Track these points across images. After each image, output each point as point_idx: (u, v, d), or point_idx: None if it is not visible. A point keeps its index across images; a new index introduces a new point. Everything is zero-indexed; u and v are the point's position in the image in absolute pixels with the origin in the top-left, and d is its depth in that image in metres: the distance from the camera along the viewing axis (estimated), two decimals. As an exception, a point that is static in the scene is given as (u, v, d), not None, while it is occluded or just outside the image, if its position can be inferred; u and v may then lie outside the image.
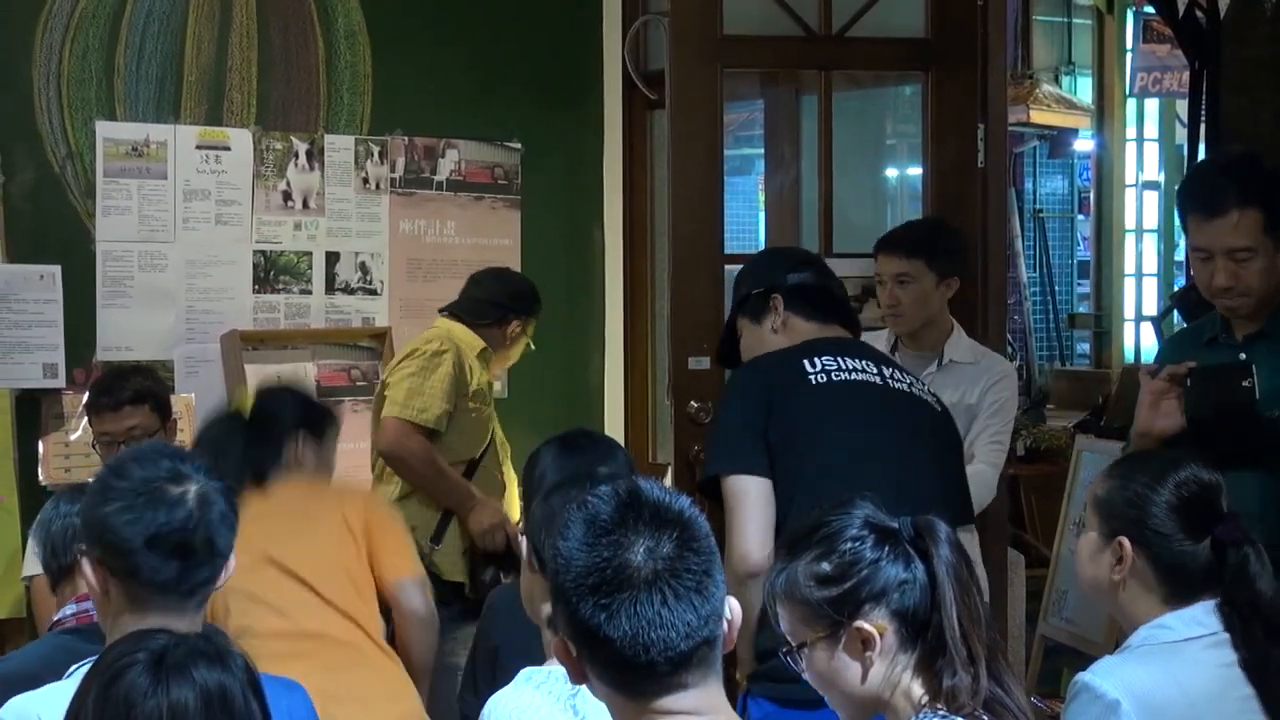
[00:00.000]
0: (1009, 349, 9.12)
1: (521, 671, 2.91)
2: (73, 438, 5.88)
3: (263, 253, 6.35)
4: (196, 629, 2.81)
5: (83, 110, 6.08)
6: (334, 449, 4.71)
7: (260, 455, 4.42)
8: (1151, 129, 13.93)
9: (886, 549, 2.65)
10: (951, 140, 6.11)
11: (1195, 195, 4.07)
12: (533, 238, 6.85)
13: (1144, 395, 4.00)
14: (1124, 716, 3.01)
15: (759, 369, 4.19)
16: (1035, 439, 9.45)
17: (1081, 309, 14.93)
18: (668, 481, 5.83)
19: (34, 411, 5.91)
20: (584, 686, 2.29)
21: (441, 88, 6.69)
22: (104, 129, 6.08)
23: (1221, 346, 4.10)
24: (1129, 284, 13.95)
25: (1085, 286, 14.93)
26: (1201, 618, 3.14)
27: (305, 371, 6.34)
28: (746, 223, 12.20)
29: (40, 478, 5.84)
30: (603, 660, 2.20)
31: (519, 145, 6.83)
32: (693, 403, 5.88)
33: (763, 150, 8.06)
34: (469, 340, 5.74)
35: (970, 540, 5.04)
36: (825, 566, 2.65)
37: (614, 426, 6.98)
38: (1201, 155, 6.67)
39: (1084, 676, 3.10)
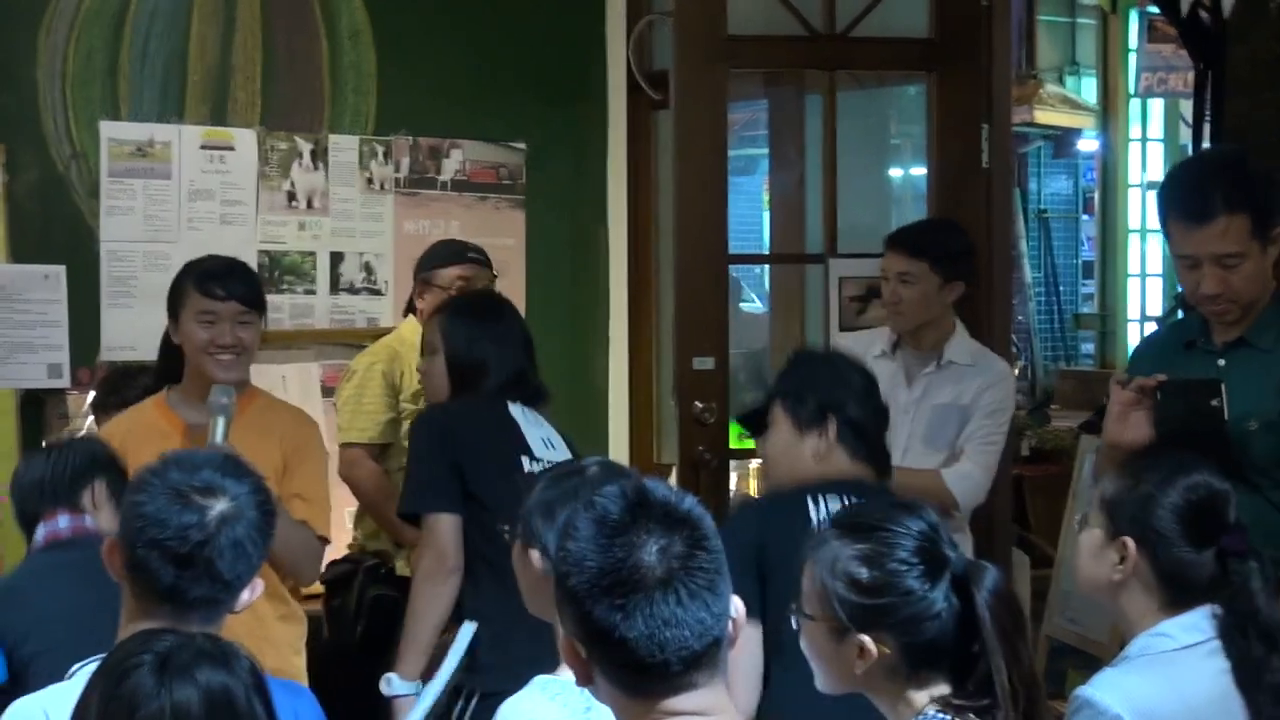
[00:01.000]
0: (1013, 349, 9.11)
1: (535, 679, 2.90)
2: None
3: (267, 253, 6.35)
4: None
5: (87, 110, 6.08)
6: None
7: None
8: (1156, 129, 13.95)
9: (928, 585, 2.62)
10: (956, 140, 6.11)
11: (1179, 200, 3.97)
12: (537, 238, 6.85)
13: (1113, 406, 3.93)
14: None
15: (756, 511, 4.15)
16: (1040, 439, 9.47)
17: (1086, 309, 14.95)
18: (672, 481, 5.83)
19: (38, 412, 5.91)
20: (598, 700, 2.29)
21: (446, 88, 6.69)
22: (108, 129, 6.08)
23: (1199, 352, 4.03)
24: (1133, 284, 13.98)
25: (1089, 286, 14.94)
26: (1200, 624, 3.13)
27: (309, 372, 6.34)
28: (751, 223, 12.21)
29: (45, 478, 5.83)
30: (615, 661, 2.20)
31: (523, 145, 6.83)
32: (697, 403, 5.88)
33: (767, 150, 8.06)
34: (403, 332, 5.67)
35: (963, 540, 5.05)
36: (863, 573, 2.64)
37: (618, 426, 6.98)
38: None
39: (1084, 691, 3.08)
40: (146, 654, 2.32)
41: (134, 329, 6.02)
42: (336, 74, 6.49)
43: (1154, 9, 10.50)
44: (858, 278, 6.05)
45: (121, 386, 5.27)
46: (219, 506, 2.91)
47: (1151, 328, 13.05)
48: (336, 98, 6.50)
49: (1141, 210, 13.87)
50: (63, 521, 3.97)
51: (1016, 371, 9.02)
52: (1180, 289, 4.58)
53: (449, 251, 5.66)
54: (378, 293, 6.55)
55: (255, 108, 6.35)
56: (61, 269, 5.88)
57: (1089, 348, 14.66)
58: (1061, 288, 14.63)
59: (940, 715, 2.59)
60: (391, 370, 5.52)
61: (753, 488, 7.66)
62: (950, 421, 5.27)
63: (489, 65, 6.73)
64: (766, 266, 10.55)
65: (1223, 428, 3.77)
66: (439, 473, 4.47)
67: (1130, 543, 3.17)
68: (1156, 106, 13.79)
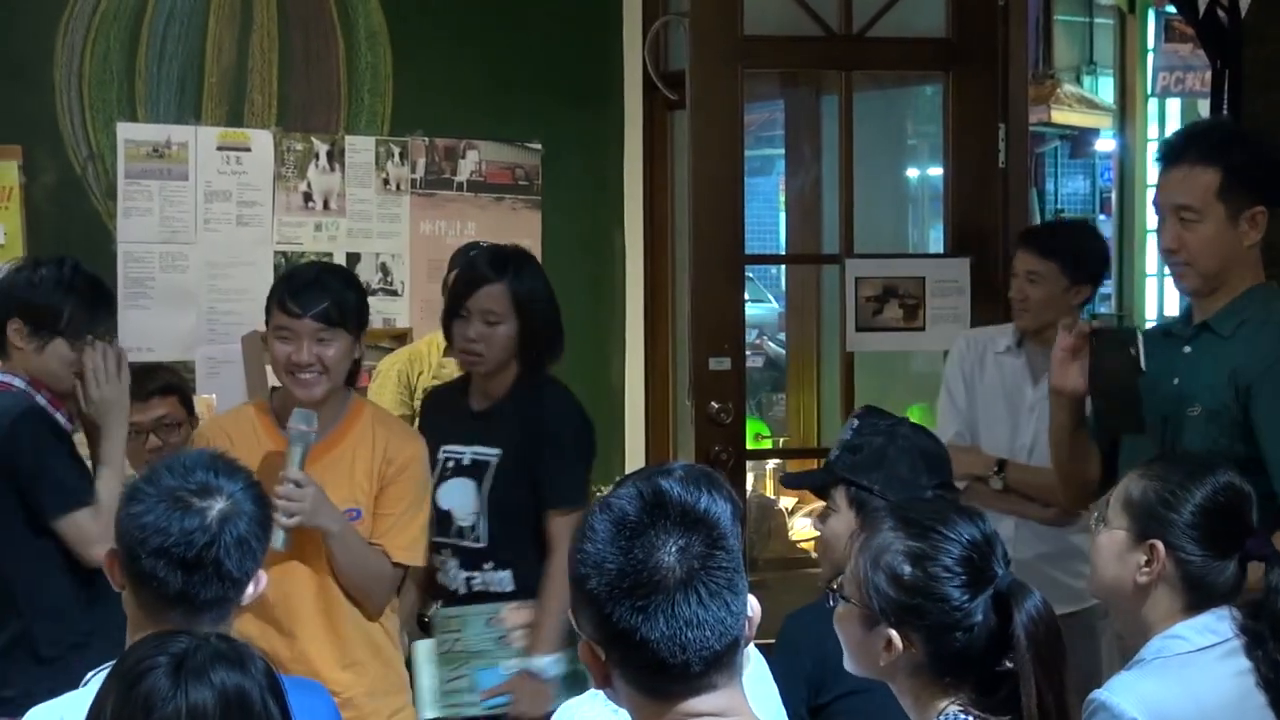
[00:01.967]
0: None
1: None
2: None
3: (284, 254, 6.35)
4: None
5: (104, 111, 6.09)
6: None
7: None
8: (1173, 128, 13.90)
9: (967, 596, 2.60)
10: (972, 140, 6.10)
11: (1161, 151, 3.98)
12: (553, 238, 6.84)
13: (1056, 351, 3.95)
14: None
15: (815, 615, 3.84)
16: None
17: (1103, 309, 14.90)
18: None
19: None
20: None
21: (462, 88, 6.69)
22: (125, 130, 6.09)
23: (1173, 338, 4.02)
24: (1150, 284, 13.92)
25: (1107, 287, 14.90)
26: (1214, 625, 3.10)
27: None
28: (767, 223, 12.21)
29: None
30: (635, 663, 2.19)
31: (539, 146, 6.83)
32: (713, 403, 5.88)
33: (783, 150, 8.07)
34: (434, 337, 5.69)
35: (1085, 542, 4.98)
36: (905, 569, 2.63)
37: (634, 428, 6.97)
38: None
39: (1100, 695, 3.06)
40: (161, 656, 2.32)
41: (151, 329, 6.03)
42: (353, 75, 6.50)
43: (1171, 9, 10.47)
44: (874, 278, 6.04)
45: (142, 379, 5.30)
46: (218, 506, 2.91)
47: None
48: (353, 99, 6.51)
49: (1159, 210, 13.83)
50: None
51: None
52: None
53: (460, 258, 5.71)
54: (394, 293, 6.56)
55: (272, 109, 6.36)
56: (78, 270, 5.89)
57: (1106, 347, 14.62)
58: (1078, 288, 14.61)
59: (962, 715, 2.59)
60: (408, 370, 5.54)
61: (768, 488, 7.67)
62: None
63: (505, 66, 6.73)
64: (781, 266, 10.56)
65: (1136, 380, 3.76)
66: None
67: (1160, 546, 3.13)
68: (1174, 106, 13.73)
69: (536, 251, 6.72)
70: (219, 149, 6.25)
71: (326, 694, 3.20)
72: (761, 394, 9.96)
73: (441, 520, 4.66)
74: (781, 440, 8.16)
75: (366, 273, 6.50)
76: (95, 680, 2.80)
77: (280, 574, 4.02)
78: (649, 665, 2.17)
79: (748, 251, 6.18)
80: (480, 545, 4.66)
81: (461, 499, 4.67)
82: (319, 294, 4.28)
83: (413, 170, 6.59)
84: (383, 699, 4.35)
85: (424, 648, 4.65)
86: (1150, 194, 13.73)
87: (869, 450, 3.73)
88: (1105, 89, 14.07)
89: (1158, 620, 3.16)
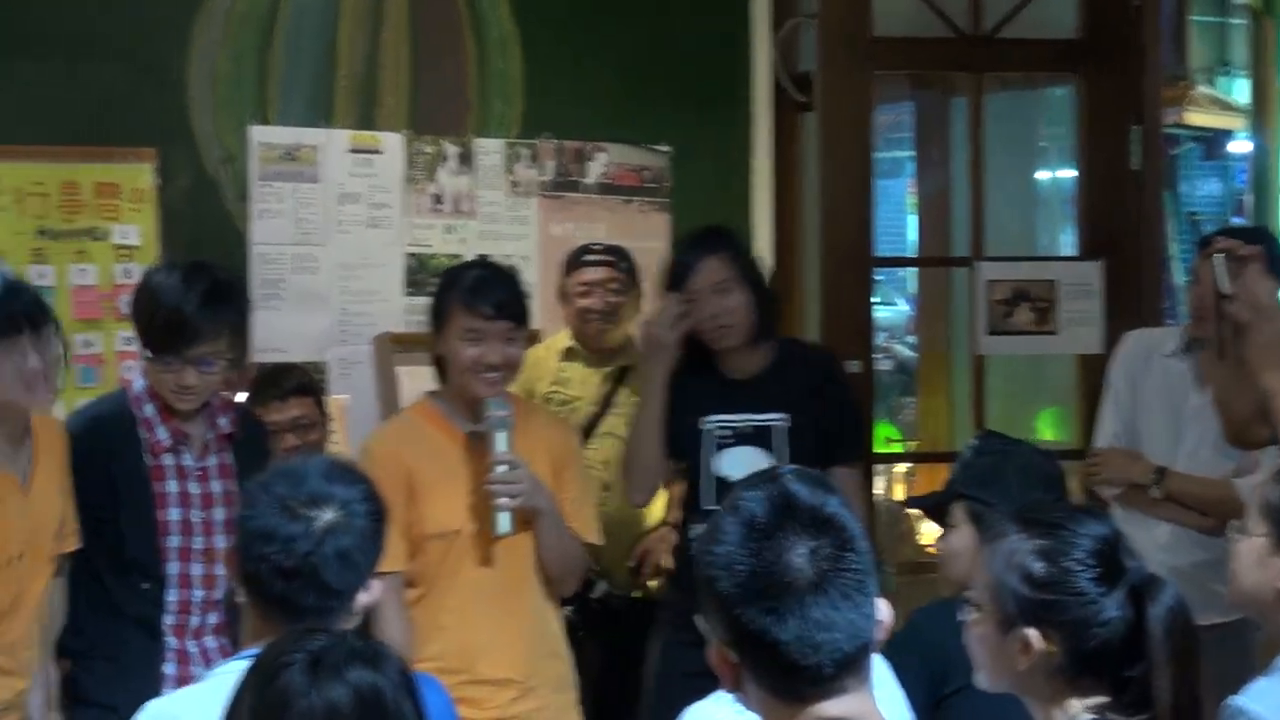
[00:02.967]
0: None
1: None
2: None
3: (414, 255, 6.39)
4: None
5: (236, 113, 6.14)
6: None
7: None
8: (1309, 130, 13.71)
9: (1103, 589, 2.58)
10: (1105, 142, 6.06)
11: None
12: (682, 241, 6.84)
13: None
14: None
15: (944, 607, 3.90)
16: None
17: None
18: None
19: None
20: None
21: (590, 91, 6.70)
22: (258, 134, 6.14)
23: None
24: (1286, 287, 13.75)
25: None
26: None
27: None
28: (896, 225, 12.16)
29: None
30: (766, 665, 2.19)
31: (668, 148, 6.82)
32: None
33: (911, 152, 8.03)
34: (551, 342, 5.83)
35: None
36: (1037, 566, 2.61)
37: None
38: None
39: (1238, 700, 3.02)
40: (298, 653, 2.35)
41: (284, 330, 6.07)
42: (483, 78, 6.52)
43: (1308, 8, 10.32)
44: (1005, 281, 6.00)
45: (280, 378, 5.38)
46: (326, 516, 2.94)
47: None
48: (482, 101, 6.53)
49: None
50: None
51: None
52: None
53: (572, 257, 5.76)
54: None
55: (402, 112, 6.39)
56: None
57: (1241, 352, 14.43)
58: (1212, 291, 14.42)
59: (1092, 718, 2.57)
60: (530, 375, 5.56)
61: (899, 491, 7.63)
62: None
63: (633, 68, 6.74)
64: (910, 270, 10.52)
65: None
66: None
67: None
68: (1310, 108, 13.57)
69: (665, 254, 6.75)
70: (350, 151, 6.29)
71: (438, 684, 3.23)
72: (891, 397, 9.92)
73: (722, 489, 4.69)
74: (913, 444, 8.13)
75: (495, 274, 6.52)
76: (214, 676, 2.85)
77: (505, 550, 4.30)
78: (780, 667, 2.17)
79: (877, 254, 6.15)
80: None
81: (752, 465, 4.60)
82: (508, 295, 4.39)
83: (541, 173, 6.61)
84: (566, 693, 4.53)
85: None
86: (1286, 196, 13.62)
87: (984, 467, 3.85)
88: (1240, 90, 13.89)
89: (1299, 628, 3.13)
